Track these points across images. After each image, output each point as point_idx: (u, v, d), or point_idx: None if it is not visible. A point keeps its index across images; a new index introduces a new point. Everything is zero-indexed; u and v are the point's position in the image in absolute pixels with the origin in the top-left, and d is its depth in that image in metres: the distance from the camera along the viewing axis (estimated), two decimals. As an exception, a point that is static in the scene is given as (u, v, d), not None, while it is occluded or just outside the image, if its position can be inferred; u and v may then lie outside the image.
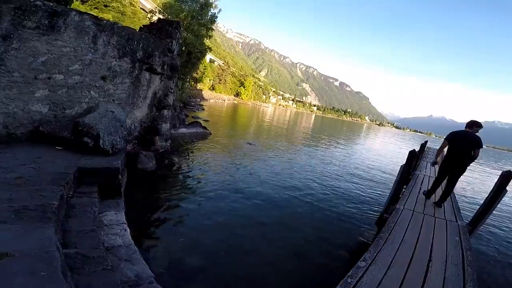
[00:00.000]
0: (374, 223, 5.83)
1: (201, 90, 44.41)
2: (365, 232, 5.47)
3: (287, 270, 3.81)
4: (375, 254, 3.17)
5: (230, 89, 73.65)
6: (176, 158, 7.32)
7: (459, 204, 6.42)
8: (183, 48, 14.13)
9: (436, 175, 5.69)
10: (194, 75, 37.48)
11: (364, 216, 6.31)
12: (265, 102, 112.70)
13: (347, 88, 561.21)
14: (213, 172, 7.40)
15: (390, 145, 32.36)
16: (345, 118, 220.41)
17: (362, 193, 8.33)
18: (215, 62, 75.18)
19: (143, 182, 5.65)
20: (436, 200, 5.40)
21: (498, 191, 4.11)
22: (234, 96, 74.73)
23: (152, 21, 10.17)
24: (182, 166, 7.19)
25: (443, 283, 2.74)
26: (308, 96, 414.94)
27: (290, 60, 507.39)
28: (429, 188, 5.92)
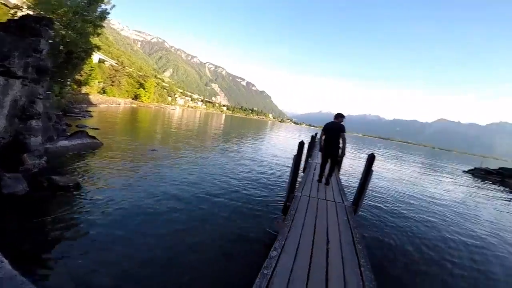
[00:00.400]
0: (281, 211, 6.33)
1: (87, 94, 38.08)
2: (276, 220, 5.88)
3: (209, 273, 3.68)
4: (283, 242, 3.38)
5: (127, 91, 65.99)
6: (57, 176, 5.95)
7: (347, 187, 7.76)
8: (60, 48, 12.60)
9: (322, 158, 6.86)
10: (78, 77, 31.92)
11: (274, 206, 6.79)
12: (172, 104, 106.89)
13: (253, 88, 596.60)
14: (107, 185, 6.40)
15: (291, 139, 36.23)
16: (252, 116, 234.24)
17: (271, 185, 8.97)
18: (105, 62, 66.17)
19: (15, 208, 4.59)
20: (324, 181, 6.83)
21: (367, 171, 5.06)
22: (132, 99, 67.39)
23: (15, 17, 8.24)
24: (67, 184, 5.91)
25: (342, 262, 3.13)
26: (218, 96, 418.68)
27: (199, 60, 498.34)
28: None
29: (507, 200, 15.71)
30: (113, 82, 60.37)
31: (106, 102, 45.96)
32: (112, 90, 57.10)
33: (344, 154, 6.52)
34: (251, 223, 5.55)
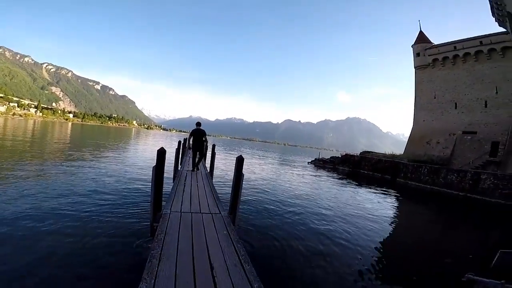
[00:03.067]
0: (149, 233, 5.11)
1: None
2: (143, 245, 4.67)
3: None
4: (152, 281, 2.40)
5: None
6: None
7: (223, 194, 7.38)
8: None
9: (192, 153, 9.10)
10: None
11: (138, 228, 5.47)
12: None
13: (111, 92, 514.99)
14: None
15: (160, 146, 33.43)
16: (111, 124, 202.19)
17: (136, 202, 7.36)
18: None
19: None
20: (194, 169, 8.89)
21: (238, 176, 4.73)
22: None
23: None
24: None
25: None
26: (61, 102, 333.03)
27: (32, 60, 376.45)
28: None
29: (339, 181, 20.72)
30: None
31: None
32: None
33: (207, 148, 10.02)
34: (111, 251, 4.22)
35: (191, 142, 8.91)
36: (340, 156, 33.91)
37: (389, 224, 9.52)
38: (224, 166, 19.86)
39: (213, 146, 11.73)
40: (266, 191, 12.30)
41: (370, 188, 18.20)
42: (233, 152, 41.56)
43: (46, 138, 27.83)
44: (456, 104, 31.77)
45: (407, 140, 38.00)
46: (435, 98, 33.98)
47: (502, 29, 25.00)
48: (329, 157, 35.50)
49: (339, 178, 22.17)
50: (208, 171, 9.89)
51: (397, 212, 12.09)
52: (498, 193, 15.02)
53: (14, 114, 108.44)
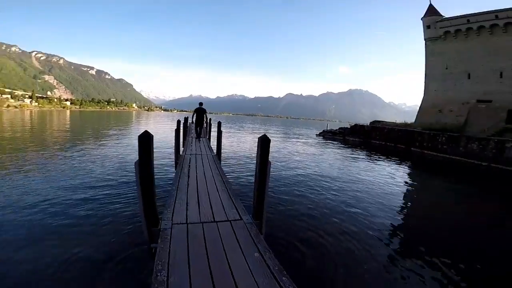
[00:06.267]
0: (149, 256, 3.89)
1: None
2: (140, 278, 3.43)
3: None
4: None
5: None
6: None
7: (241, 187, 6.06)
8: None
9: (194, 127, 11.34)
10: None
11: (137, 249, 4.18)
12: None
13: (107, 76, 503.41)
14: None
15: (161, 127, 32.09)
16: (110, 108, 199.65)
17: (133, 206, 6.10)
18: None
19: None
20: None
21: (262, 164, 3.37)
22: None
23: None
24: None
25: None
26: (56, 90, 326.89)
27: (19, 49, 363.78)
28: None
29: (352, 152, 19.42)
30: None
31: None
32: None
33: (207, 123, 12.81)
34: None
35: (194, 118, 10.98)
36: (349, 127, 32.39)
37: (414, 200, 9.05)
38: (229, 144, 18.61)
39: (219, 123, 10.23)
40: (281, 169, 11.13)
41: (385, 159, 17.08)
42: (236, 128, 40.14)
43: (46, 128, 26.50)
44: (469, 74, 30.48)
45: (409, 109, 36.90)
46: (446, 68, 32.72)
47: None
48: (337, 128, 34.01)
49: (351, 150, 20.88)
50: (215, 153, 8.52)
51: (420, 185, 11.31)
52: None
53: (8, 106, 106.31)
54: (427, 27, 34.73)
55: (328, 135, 32.18)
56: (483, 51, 29.54)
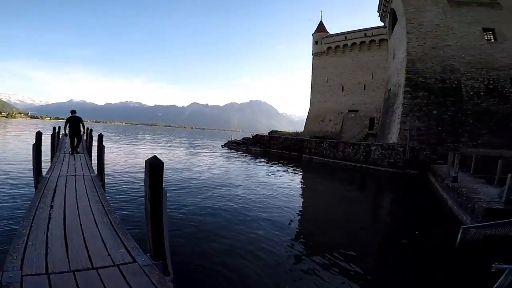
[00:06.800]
0: None
1: None
2: None
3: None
4: None
5: None
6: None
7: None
8: None
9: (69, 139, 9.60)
10: None
11: None
12: None
13: None
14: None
15: (23, 139, 24.90)
16: None
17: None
18: None
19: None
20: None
21: (154, 194, 2.67)
22: None
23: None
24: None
25: None
26: None
27: None
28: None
29: (254, 161, 20.42)
30: None
31: None
32: None
33: (84, 132, 10.31)
34: None
35: (67, 129, 9.28)
36: (251, 137, 34.25)
37: (305, 198, 10.75)
38: (117, 161, 15.87)
39: (100, 136, 7.91)
40: (186, 185, 10.26)
41: (282, 165, 19.05)
42: (128, 140, 35.82)
43: None
44: (343, 87, 37.41)
45: (298, 119, 43.11)
46: (327, 82, 39.27)
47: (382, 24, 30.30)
48: (241, 139, 35.41)
49: (253, 159, 22.13)
50: (96, 173, 6.82)
51: (309, 186, 13.55)
52: (386, 163, 17.82)
53: None
54: (315, 42, 40.76)
55: (233, 146, 33.02)
56: (353, 66, 36.70)
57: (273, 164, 19.70)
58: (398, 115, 20.01)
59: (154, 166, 2.64)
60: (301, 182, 14.25)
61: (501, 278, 3.33)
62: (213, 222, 6.43)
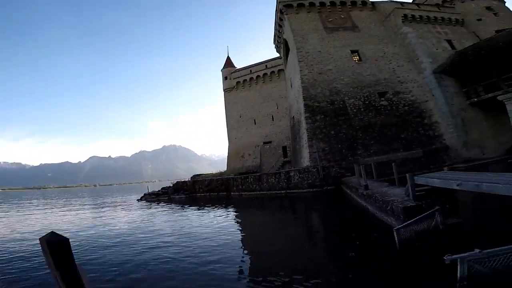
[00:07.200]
0: None
1: None
2: None
3: None
4: None
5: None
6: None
7: None
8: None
9: None
10: None
11: None
12: None
13: None
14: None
15: None
16: None
17: None
18: None
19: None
20: None
21: (69, 280, 1.93)
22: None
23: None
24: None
25: None
26: None
27: None
28: None
29: (179, 209, 18.85)
30: None
31: None
32: None
33: None
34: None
35: None
36: (171, 185, 31.84)
37: (245, 232, 10.78)
38: None
39: None
40: (104, 252, 8.32)
41: (212, 207, 18.41)
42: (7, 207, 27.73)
43: None
44: (255, 120, 39.96)
45: (219, 159, 43.56)
46: (240, 117, 41.17)
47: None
48: (160, 189, 32.43)
49: (179, 207, 20.45)
50: None
51: (245, 220, 13.61)
52: (306, 184, 19.47)
53: None
54: (224, 78, 42.14)
55: (151, 198, 29.78)
56: (260, 98, 39.03)
57: (203, 207, 18.68)
58: (305, 140, 22.37)
59: (57, 245, 1.89)
60: (234, 218, 14.19)
61: (458, 268, 3.56)
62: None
